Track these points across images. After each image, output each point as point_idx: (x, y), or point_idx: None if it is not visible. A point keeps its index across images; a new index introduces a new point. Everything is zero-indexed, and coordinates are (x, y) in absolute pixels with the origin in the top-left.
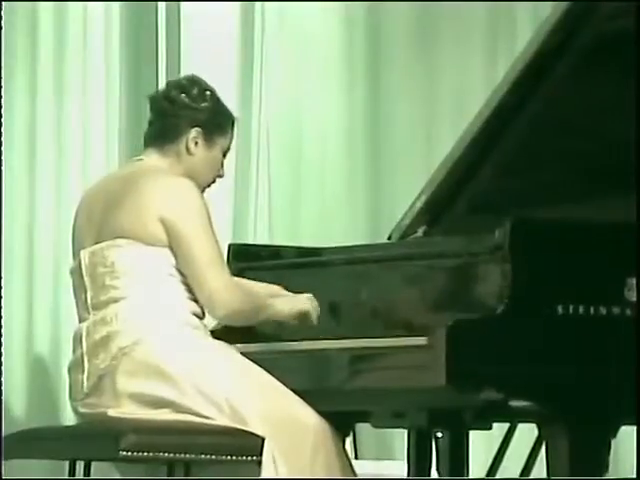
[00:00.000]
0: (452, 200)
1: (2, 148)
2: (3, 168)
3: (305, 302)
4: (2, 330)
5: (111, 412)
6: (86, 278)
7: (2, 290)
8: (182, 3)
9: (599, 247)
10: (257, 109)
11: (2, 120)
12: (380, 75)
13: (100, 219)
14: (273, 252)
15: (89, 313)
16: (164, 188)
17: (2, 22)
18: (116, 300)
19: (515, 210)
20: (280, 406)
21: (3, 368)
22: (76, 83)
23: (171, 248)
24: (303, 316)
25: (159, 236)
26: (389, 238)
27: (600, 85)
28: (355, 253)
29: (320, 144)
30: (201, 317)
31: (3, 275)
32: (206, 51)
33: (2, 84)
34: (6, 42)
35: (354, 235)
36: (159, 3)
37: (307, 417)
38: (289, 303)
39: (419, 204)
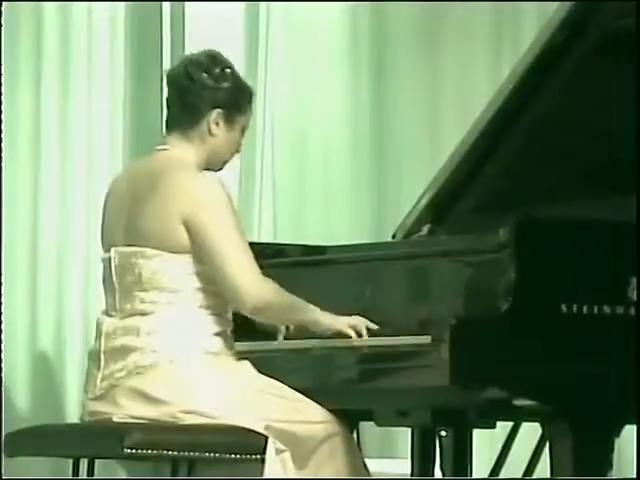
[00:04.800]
0: (457, 198)
1: (2, 154)
2: (7, 167)
3: (349, 325)
4: (3, 326)
5: (116, 418)
6: (115, 279)
7: (3, 285)
8: (187, 3)
9: (604, 246)
10: (261, 108)
11: (2, 123)
12: (385, 73)
13: (129, 212)
14: (278, 250)
15: (115, 311)
16: (186, 188)
17: (2, 22)
18: (141, 313)
19: (520, 208)
20: (292, 419)
21: (6, 364)
22: (81, 83)
23: (194, 251)
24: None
25: (183, 242)
26: (394, 236)
27: (605, 83)
28: (360, 251)
29: (325, 142)
30: (226, 334)
31: (6, 270)
32: None
33: (2, 87)
34: (11, 42)
35: (358, 234)
36: (164, 3)
37: (320, 423)
38: (333, 319)
39: (424, 202)
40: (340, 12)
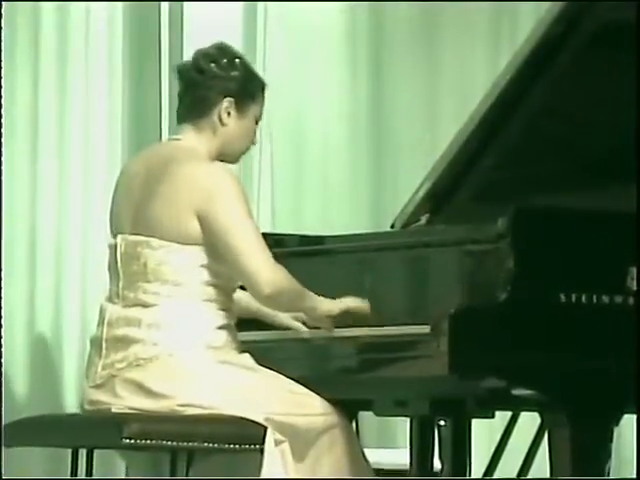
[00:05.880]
0: (455, 188)
1: (1, 152)
2: (6, 165)
3: (347, 303)
4: (3, 313)
5: (115, 409)
6: (120, 266)
7: (2, 273)
8: (185, 3)
9: (602, 236)
10: None
11: (2, 120)
12: (383, 67)
13: (138, 200)
14: (276, 240)
15: (118, 298)
16: (197, 179)
17: (2, 21)
18: (144, 305)
19: (518, 199)
20: (292, 412)
21: (5, 354)
22: (79, 83)
23: (206, 243)
24: (343, 316)
25: (193, 234)
26: (392, 226)
27: (602, 75)
28: (358, 241)
29: (323, 135)
30: (230, 327)
31: (5, 260)
32: None
33: (2, 84)
34: (8, 40)
35: (356, 226)
36: (162, 3)
37: (320, 415)
38: (331, 304)
39: (422, 192)
40: (338, 12)
